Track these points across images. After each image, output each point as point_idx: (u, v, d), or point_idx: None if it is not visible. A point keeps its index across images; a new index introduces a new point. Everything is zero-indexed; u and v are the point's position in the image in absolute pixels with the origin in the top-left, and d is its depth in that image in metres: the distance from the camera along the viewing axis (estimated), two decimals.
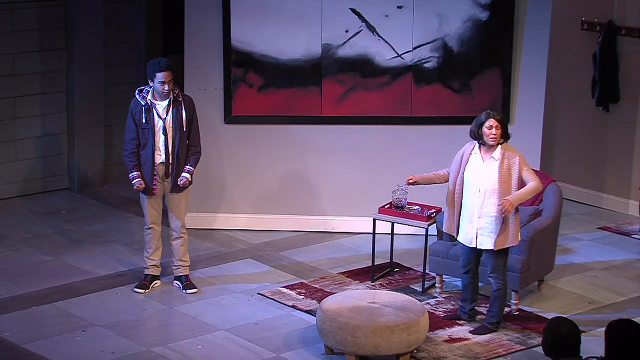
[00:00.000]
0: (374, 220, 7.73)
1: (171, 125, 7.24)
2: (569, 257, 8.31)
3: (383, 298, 6.71)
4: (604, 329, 5.00)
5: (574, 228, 8.86)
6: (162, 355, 6.60)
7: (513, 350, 6.79)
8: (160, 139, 7.24)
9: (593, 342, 6.68)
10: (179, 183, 7.31)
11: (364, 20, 8.40)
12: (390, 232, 7.88)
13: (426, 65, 8.44)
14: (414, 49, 8.41)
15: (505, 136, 6.77)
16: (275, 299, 7.43)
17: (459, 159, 6.84)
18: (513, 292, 7.25)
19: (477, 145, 6.81)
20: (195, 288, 7.48)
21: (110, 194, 9.47)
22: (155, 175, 7.30)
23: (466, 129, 8.56)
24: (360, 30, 8.40)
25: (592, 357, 4.96)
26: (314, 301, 7.33)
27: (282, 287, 7.63)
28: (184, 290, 7.46)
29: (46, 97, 9.36)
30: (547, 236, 7.45)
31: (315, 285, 7.66)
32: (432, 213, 7.62)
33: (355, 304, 6.59)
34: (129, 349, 6.67)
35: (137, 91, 7.32)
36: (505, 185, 6.71)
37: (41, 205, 9.17)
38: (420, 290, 7.60)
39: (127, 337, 6.81)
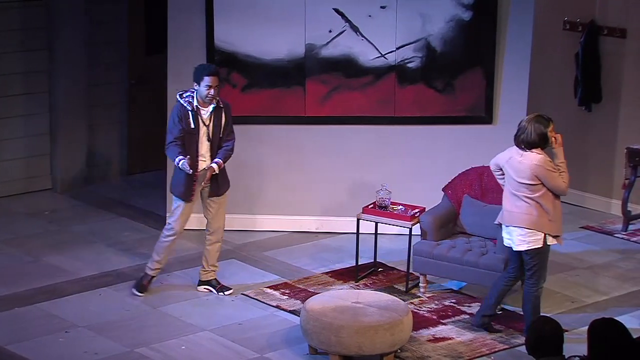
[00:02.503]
0: (358, 220, 7.74)
1: (213, 131, 7.17)
2: (552, 256, 8.29)
3: (367, 298, 6.71)
4: (586, 328, 5.03)
5: None
6: (145, 356, 6.58)
7: (496, 349, 6.81)
8: (204, 145, 7.17)
9: (576, 341, 6.72)
10: (205, 167, 7.14)
11: (347, 20, 8.40)
12: (374, 232, 7.89)
13: (409, 65, 8.45)
14: (397, 49, 8.42)
15: None
16: (259, 299, 7.43)
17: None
18: None
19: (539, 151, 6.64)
20: (231, 289, 7.44)
21: (93, 195, 9.44)
22: (194, 181, 7.20)
23: (449, 128, 8.66)
24: (344, 31, 8.41)
25: (575, 356, 4.98)
26: (298, 301, 7.33)
27: (266, 287, 7.62)
28: (221, 293, 7.39)
29: (28, 97, 9.32)
30: None
31: (299, 286, 7.65)
32: (416, 213, 7.63)
33: (339, 304, 6.59)
34: (112, 350, 6.65)
35: (178, 95, 7.22)
36: None
37: (24, 206, 9.13)
38: (404, 290, 7.61)
39: (111, 338, 6.79)
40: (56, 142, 9.45)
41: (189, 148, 7.14)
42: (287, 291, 7.55)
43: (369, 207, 7.75)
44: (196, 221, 8.68)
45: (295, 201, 8.69)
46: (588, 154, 9.41)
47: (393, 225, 7.72)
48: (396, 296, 6.98)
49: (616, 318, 5.03)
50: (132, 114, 9.86)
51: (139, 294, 7.37)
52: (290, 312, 7.22)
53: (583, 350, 5.05)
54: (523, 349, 6.16)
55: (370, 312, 6.51)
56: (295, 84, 8.45)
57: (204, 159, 7.21)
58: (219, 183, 7.28)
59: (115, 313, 7.15)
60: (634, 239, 8.75)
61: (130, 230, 8.66)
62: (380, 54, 8.44)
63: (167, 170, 8.68)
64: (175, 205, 7.32)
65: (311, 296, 6.91)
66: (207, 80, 7.08)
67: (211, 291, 7.46)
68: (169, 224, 7.34)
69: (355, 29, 8.41)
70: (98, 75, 9.59)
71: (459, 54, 8.43)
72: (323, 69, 8.44)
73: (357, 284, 7.71)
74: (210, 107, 7.17)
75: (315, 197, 8.62)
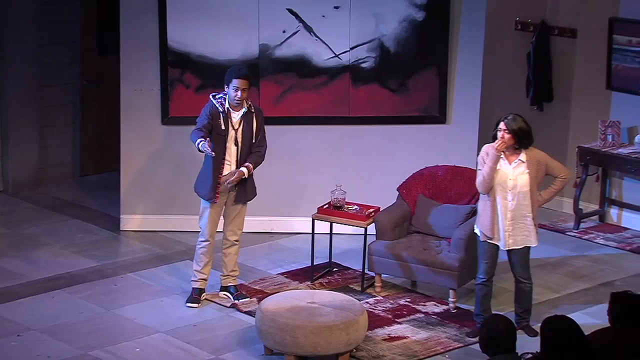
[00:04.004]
0: (313, 220, 7.74)
1: (242, 136, 7.10)
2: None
3: (322, 298, 6.72)
4: (539, 325, 5.08)
5: None
6: (99, 359, 6.53)
7: (451, 347, 6.85)
8: (232, 150, 7.09)
9: (529, 339, 6.79)
10: (233, 171, 7.06)
11: (301, 20, 8.40)
12: (329, 232, 7.90)
13: (363, 65, 8.48)
14: (351, 49, 8.44)
15: (523, 143, 6.69)
16: (214, 300, 7.40)
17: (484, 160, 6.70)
18: (451, 291, 7.32)
19: None
20: (248, 297, 7.34)
21: (45, 197, 9.35)
22: (219, 184, 7.12)
23: (404, 128, 8.70)
24: (298, 31, 8.41)
25: (528, 353, 5.03)
26: (254, 301, 7.32)
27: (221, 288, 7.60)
28: (237, 300, 7.30)
29: None
30: None
31: (254, 287, 7.64)
32: (371, 213, 7.66)
33: (295, 304, 6.59)
34: (66, 353, 6.59)
35: (211, 96, 7.14)
36: (533, 185, 6.74)
37: None
38: (360, 289, 7.63)
39: (64, 341, 6.73)
40: (7, 144, 9.35)
41: (215, 150, 7.00)
42: (243, 292, 7.53)
43: (324, 207, 7.76)
44: (158, 223, 8.64)
45: (250, 202, 8.65)
46: None
47: (348, 225, 7.74)
48: (352, 296, 6.99)
49: (568, 315, 5.08)
50: (84, 114, 9.78)
51: (192, 305, 7.23)
52: (246, 313, 7.21)
53: (536, 347, 5.10)
54: (477, 347, 6.20)
55: (325, 312, 6.52)
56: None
57: (229, 164, 7.12)
58: (246, 189, 7.22)
59: (69, 316, 7.09)
60: (586, 237, 8.86)
61: (84, 232, 8.59)
62: (334, 54, 8.45)
63: (120, 171, 8.64)
64: (201, 208, 7.25)
65: (266, 297, 6.91)
66: (235, 82, 7.01)
67: (229, 297, 7.35)
68: (200, 228, 7.26)
69: (309, 29, 8.41)
70: (50, 76, 9.49)
71: (412, 54, 8.47)
72: (277, 70, 8.44)
73: (312, 284, 7.71)
74: (241, 112, 7.10)
75: (270, 197, 8.60)
